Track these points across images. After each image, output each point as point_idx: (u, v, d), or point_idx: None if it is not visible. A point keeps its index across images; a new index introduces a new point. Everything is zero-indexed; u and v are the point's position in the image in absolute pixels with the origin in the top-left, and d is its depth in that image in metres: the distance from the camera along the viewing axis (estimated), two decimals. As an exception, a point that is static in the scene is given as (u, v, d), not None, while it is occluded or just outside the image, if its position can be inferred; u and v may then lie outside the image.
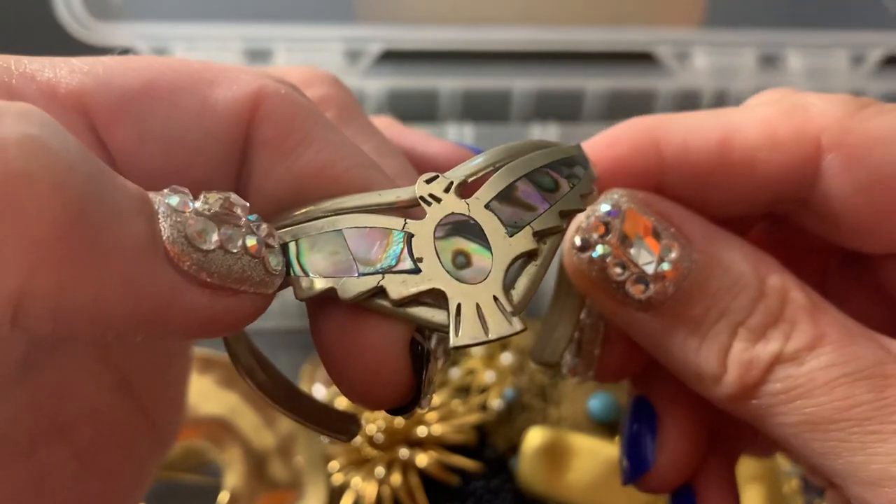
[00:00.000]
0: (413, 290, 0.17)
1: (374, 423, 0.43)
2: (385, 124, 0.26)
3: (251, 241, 0.17)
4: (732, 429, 0.24)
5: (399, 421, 0.43)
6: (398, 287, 0.17)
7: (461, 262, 0.18)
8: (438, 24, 0.57)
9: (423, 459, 0.42)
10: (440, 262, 0.18)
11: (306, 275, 0.18)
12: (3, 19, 0.63)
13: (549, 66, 0.61)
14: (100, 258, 0.14)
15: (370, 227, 0.18)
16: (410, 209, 0.18)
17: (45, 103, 0.17)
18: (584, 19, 0.60)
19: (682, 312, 0.20)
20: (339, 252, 0.18)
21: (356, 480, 0.42)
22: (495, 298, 0.17)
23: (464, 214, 0.18)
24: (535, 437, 0.42)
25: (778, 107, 0.21)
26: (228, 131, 0.18)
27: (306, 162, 0.19)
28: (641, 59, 0.60)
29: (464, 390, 0.48)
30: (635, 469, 0.23)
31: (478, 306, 0.17)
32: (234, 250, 0.16)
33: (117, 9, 0.54)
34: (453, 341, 0.17)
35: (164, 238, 0.15)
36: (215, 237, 0.16)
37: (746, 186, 0.21)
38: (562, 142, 0.21)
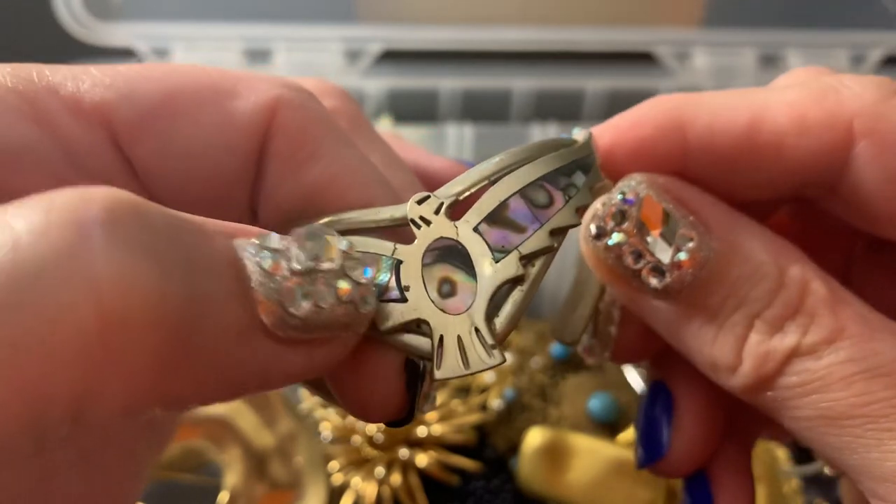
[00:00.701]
0: (399, 320, 0.18)
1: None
2: (389, 138, 0.26)
3: (343, 286, 0.16)
4: (749, 415, 0.24)
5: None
6: (385, 316, 0.18)
7: (446, 290, 0.18)
8: (438, 24, 0.57)
9: (422, 459, 0.42)
10: (426, 290, 0.18)
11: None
12: (3, 19, 0.63)
13: (549, 65, 0.61)
14: (199, 359, 0.14)
15: (361, 253, 0.18)
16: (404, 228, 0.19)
17: (70, 119, 0.18)
18: (583, 19, 0.60)
19: (699, 301, 0.20)
20: None
21: (356, 480, 0.42)
22: (476, 330, 0.18)
23: (452, 239, 0.18)
24: (535, 437, 0.42)
25: (809, 88, 0.21)
26: (248, 144, 0.19)
27: (315, 176, 0.19)
28: (641, 58, 0.60)
29: (464, 390, 0.48)
30: (650, 453, 0.23)
31: (459, 339, 0.18)
32: (326, 306, 0.16)
33: (117, 9, 0.54)
34: (436, 374, 0.18)
35: (261, 315, 0.15)
36: (309, 302, 0.16)
37: (773, 171, 0.21)
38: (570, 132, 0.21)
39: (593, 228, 0.20)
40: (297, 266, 0.16)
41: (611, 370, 0.48)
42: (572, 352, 0.49)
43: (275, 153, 0.19)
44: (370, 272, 0.17)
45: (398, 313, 0.18)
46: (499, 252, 0.18)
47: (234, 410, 0.42)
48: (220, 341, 0.15)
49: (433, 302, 0.18)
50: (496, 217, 0.19)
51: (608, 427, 0.46)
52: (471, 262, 0.18)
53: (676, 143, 0.21)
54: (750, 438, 0.25)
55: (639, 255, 0.20)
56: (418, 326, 0.18)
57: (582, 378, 0.48)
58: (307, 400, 0.47)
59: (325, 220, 0.19)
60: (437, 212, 0.18)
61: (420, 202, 0.18)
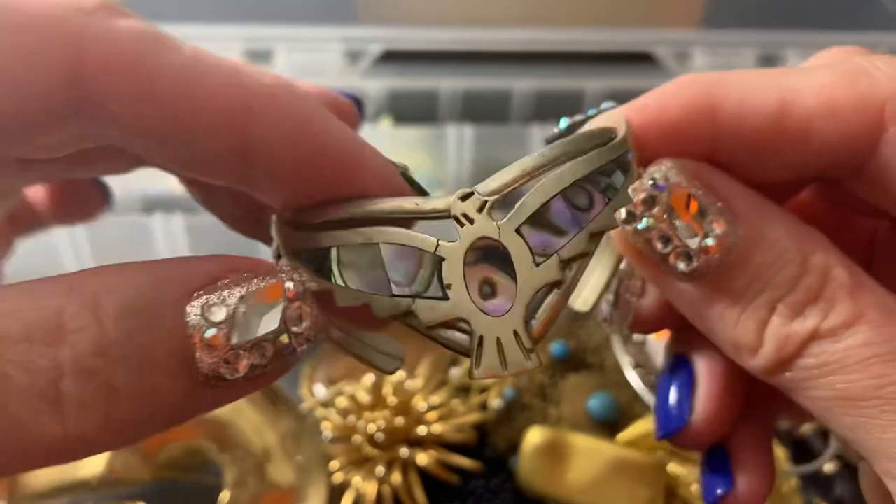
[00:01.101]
0: (441, 318, 0.18)
1: (375, 422, 0.43)
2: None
3: (283, 339, 0.16)
4: (769, 392, 0.24)
5: (399, 420, 0.43)
6: (427, 313, 0.19)
7: (487, 291, 0.19)
8: (438, 25, 0.58)
9: (423, 458, 0.42)
10: (467, 290, 0.18)
11: (345, 285, 0.19)
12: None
13: (549, 66, 0.61)
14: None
15: (405, 246, 0.19)
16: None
17: None
18: (583, 20, 0.60)
19: (724, 285, 0.20)
20: (375, 268, 0.19)
21: (356, 479, 0.42)
22: (515, 334, 0.18)
23: (494, 239, 0.18)
24: (534, 437, 0.42)
25: (840, 70, 0.20)
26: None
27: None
28: (641, 59, 0.60)
29: (464, 390, 0.48)
30: (669, 424, 0.24)
31: (498, 340, 0.18)
32: (265, 360, 0.16)
33: (118, 9, 0.54)
34: (473, 374, 0.18)
35: (201, 374, 0.16)
36: (245, 364, 0.16)
37: (801, 154, 0.21)
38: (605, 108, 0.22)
39: (623, 213, 0.20)
40: (238, 340, 0.16)
41: (610, 370, 0.48)
42: (572, 351, 0.49)
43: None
44: (306, 322, 0.17)
45: (441, 312, 0.18)
46: (539, 255, 0.19)
47: (235, 411, 0.42)
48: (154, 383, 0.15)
49: (474, 303, 0.18)
50: (538, 219, 0.19)
51: (608, 426, 0.46)
52: (511, 263, 0.19)
53: (707, 125, 0.21)
54: (771, 417, 0.25)
55: (667, 240, 0.20)
56: (458, 324, 0.19)
57: (581, 378, 0.48)
58: (308, 400, 0.47)
59: (365, 207, 0.19)
60: (480, 209, 0.18)
61: (463, 198, 0.19)
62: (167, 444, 0.42)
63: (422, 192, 0.22)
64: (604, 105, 0.22)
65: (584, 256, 0.19)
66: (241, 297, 0.16)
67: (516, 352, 0.18)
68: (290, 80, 0.20)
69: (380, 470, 0.42)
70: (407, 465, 0.43)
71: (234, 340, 0.16)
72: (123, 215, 0.51)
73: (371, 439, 0.43)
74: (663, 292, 0.22)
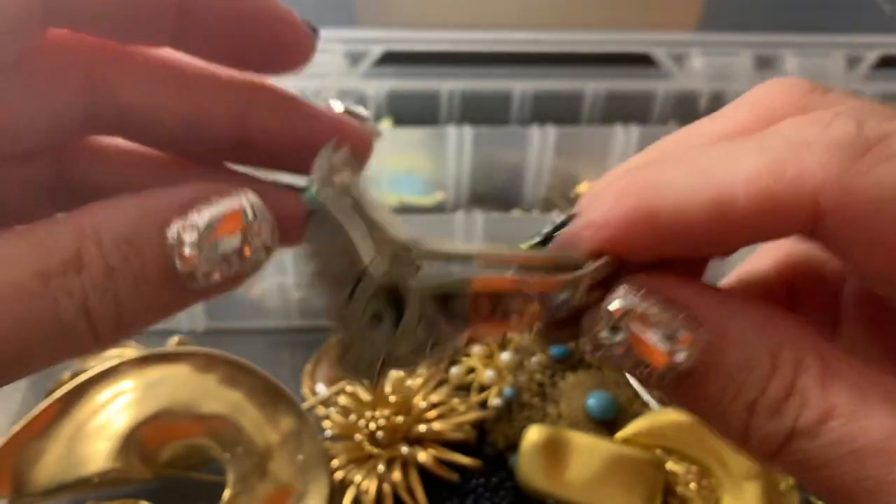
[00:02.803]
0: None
1: (376, 421, 0.43)
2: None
3: (247, 251, 0.21)
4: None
5: (399, 419, 0.43)
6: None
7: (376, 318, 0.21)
8: (438, 28, 0.58)
9: (423, 457, 0.43)
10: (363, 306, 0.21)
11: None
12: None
13: (548, 68, 0.61)
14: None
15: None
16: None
17: None
18: (582, 22, 0.60)
19: (702, 392, 0.20)
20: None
21: (357, 477, 0.42)
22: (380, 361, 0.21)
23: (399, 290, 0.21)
24: (534, 435, 0.43)
25: (767, 158, 0.20)
26: None
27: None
28: (639, 60, 0.61)
29: (464, 389, 0.48)
30: None
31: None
32: (234, 268, 0.21)
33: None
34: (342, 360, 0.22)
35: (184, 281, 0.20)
36: (217, 274, 0.20)
37: (745, 241, 0.21)
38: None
39: (593, 341, 0.21)
40: (207, 255, 0.20)
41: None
42: (571, 350, 0.49)
43: None
44: (268, 236, 0.21)
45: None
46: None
47: (238, 408, 0.42)
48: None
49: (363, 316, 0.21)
50: (444, 306, 0.21)
51: (606, 425, 0.46)
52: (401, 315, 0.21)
53: (647, 234, 0.21)
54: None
55: (642, 358, 0.20)
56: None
57: (580, 376, 0.48)
58: (309, 398, 0.47)
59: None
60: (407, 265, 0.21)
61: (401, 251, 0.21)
62: (169, 443, 0.42)
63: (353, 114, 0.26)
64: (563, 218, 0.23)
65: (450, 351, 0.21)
66: (208, 222, 0.20)
67: (367, 371, 0.21)
68: None
69: (380, 468, 0.42)
70: (407, 463, 0.43)
71: (204, 255, 0.20)
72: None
73: (372, 437, 0.43)
74: (664, 395, 0.22)
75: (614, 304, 0.21)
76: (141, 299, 0.20)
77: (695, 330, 0.20)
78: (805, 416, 0.19)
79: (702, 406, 0.21)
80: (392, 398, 0.44)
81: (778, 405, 0.20)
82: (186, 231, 0.20)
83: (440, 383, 0.48)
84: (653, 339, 0.20)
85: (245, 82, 0.25)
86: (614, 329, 0.21)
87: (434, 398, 0.45)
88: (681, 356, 0.20)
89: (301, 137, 0.25)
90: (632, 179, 0.21)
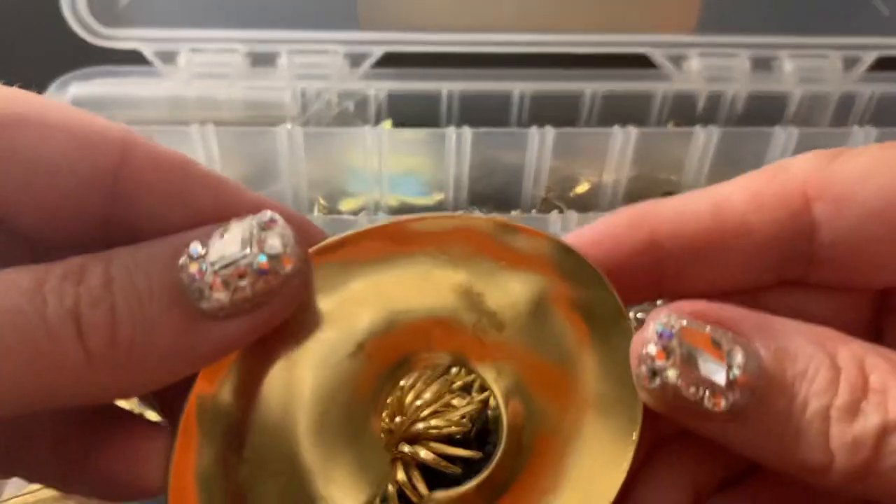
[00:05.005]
0: None
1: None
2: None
3: (261, 261, 0.19)
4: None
5: (397, 420, 0.43)
6: None
7: None
8: (438, 30, 0.58)
9: (424, 455, 0.43)
10: None
11: None
12: (10, 23, 0.64)
13: (548, 69, 0.62)
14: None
15: None
16: None
17: None
18: (581, 24, 0.61)
19: (768, 412, 0.19)
20: None
21: (358, 476, 0.43)
22: None
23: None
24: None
25: (762, 170, 0.22)
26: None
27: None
28: (638, 62, 0.61)
29: (464, 389, 0.48)
30: None
31: None
32: (247, 285, 0.19)
33: (123, 13, 0.55)
34: None
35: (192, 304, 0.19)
36: (224, 289, 0.19)
37: (747, 251, 0.22)
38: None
39: (644, 370, 0.19)
40: (215, 265, 0.19)
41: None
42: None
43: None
44: (279, 245, 0.19)
45: None
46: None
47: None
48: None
49: None
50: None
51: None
52: None
53: (652, 253, 0.22)
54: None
55: (696, 385, 0.19)
56: None
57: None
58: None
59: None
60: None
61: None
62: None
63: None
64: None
65: None
66: (221, 236, 0.19)
67: None
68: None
69: (381, 466, 0.42)
70: (408, 463, 0.43)
71: (211, 261, 0.19)
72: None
73: (372, 436, 0.43)
74: (714, 438, 0.21)
75: (660, 324, 0.20)
76: (141, 314, 0.18)
77: (747, 346, 0.19)
78: (893, 405, 0.18)
79: (772, 431, 0.19)
80: (389, 400, 0.44)
81: (855, 405, 0.19)
82: (196, 247, 0.19)
83: (434, 380, 0.48)
84: (708, 356, 0.19)
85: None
86: (665, 353, 0.19)
87: (427, 395, 0.45)
88: (737, 372, 0.19)
89: None
90: (634, 209, 0.23)
